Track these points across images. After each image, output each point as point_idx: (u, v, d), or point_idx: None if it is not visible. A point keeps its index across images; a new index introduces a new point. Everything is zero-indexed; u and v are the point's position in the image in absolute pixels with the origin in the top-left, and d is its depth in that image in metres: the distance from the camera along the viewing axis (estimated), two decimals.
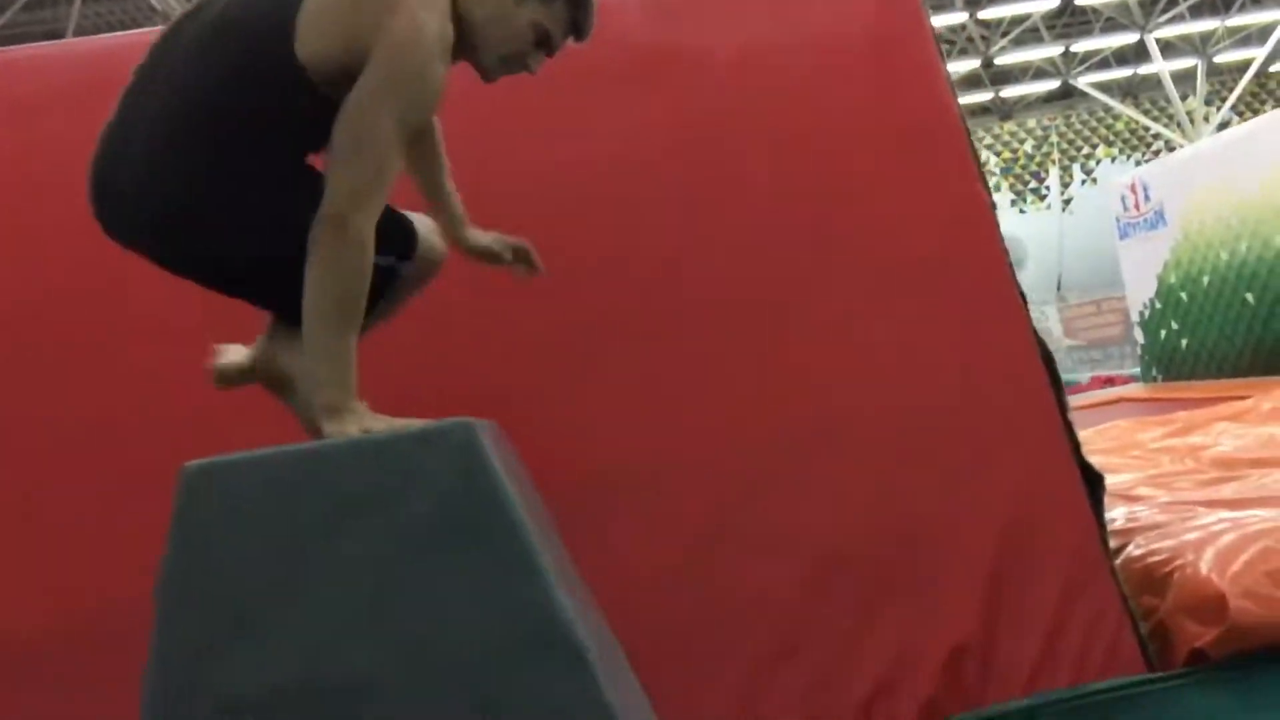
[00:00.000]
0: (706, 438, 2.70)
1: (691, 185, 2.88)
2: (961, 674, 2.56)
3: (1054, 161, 17.95)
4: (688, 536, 2.63)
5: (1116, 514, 3.33)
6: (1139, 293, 10.43)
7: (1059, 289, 17.06)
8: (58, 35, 11.89)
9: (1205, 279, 9.40)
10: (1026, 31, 15.86)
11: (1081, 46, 16.53)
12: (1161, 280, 10.01)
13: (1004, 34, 15.81)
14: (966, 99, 16.63)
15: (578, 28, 1.84)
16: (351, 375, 1.44)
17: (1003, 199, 17.31)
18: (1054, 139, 17.70)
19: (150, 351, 2.46)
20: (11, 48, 3.09)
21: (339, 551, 1.21)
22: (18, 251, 2.60)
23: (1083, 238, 16.32)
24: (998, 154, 17.88)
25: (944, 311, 2.83)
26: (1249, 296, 8.83)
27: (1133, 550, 2.96)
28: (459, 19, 1.72)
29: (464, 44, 1.75)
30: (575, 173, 2.80)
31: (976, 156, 3.03)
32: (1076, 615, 2.62)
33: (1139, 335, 10.56)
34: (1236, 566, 2.64)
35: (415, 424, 1.32)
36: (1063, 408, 2.80)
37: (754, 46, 3.00)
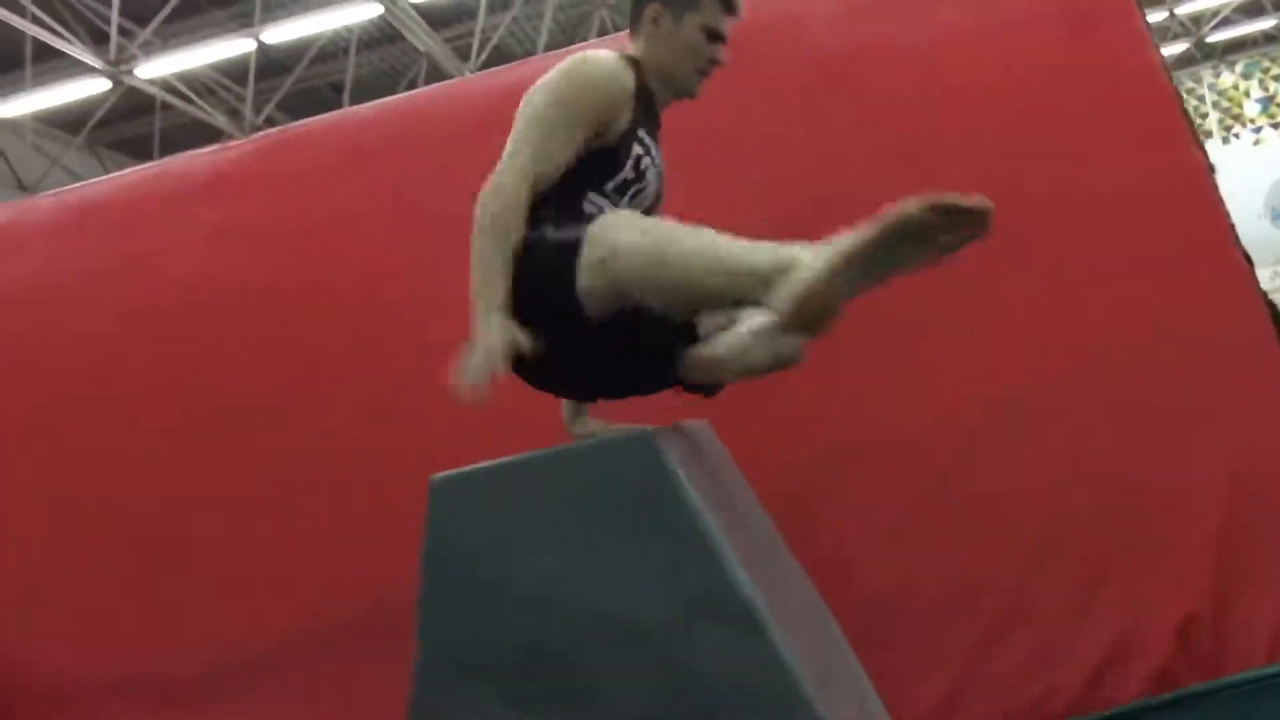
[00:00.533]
0: (922, 411, 2.79)
1: (893, 179, 2.98)
2: (1194, 642, 2.56)
3: None
4: (909, 513, 2.74)
5: None
6: None
7: None
8: (340, 87, 13.20)
9: None
10: None
11: None
12: None
13: None
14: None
15: (729, 5, 2.06)
16: (499, 291, 1.74)
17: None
18: None
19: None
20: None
21: (553, 544, 1.49)
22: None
23: None
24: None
25: (1162, 274, 2.79)
26: None
27: None
28: (654, 71, 2.05)
29: (668, 87, 2.08)
30: (776, 181, 2.97)
31: (1189, 118, 2.97)
32: None
33: None
34: None
35: (612, 429, 1.57)
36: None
37: (946, 36, 3.05)
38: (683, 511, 1.48)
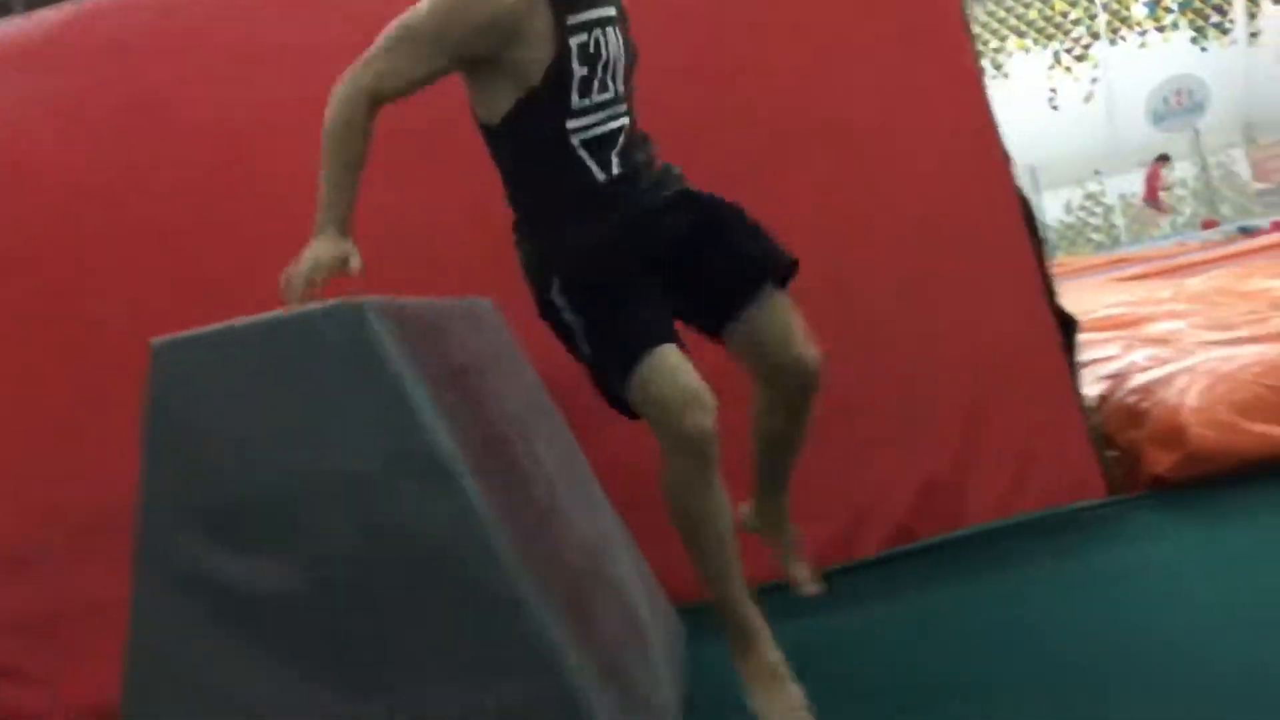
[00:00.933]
0: None
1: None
2: (935, 503, 2.84)
3: None
4: None
5: (1137, 356, 3.45)
6: None
7: (1246, 129, 15.89)
8: None
9: None
10: None
11: None
12: None
13: None
14: None
15: None
16: (337, 206, 1.78)
17: (1181, 36, 16.10)
18: None
19: None
20: None
21: (266, 404, 1.63)
22: None
23: (1274, 72, 15.05)
24: None
25: (931, 172, 2.97)
26: None
27: (1127, 387, 3.11)
28: None
29: None
30: None
31: (969, 29, 3.08)
32: (1045, 448, 2.83)
33: None
34: (1201, 398, 2.79)
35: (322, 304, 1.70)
36: (1040, 257, 2.95)
37: None
38: (385, 375, 1.63)
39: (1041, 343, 2.89)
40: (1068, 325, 2.94)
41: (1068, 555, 2.57)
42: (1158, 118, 16.20)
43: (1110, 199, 18.44)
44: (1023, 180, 3.06)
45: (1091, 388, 3.24)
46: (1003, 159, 2.97)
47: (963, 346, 2.90)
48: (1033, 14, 16.19)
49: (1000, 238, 2.93)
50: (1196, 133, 15.53)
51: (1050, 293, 2.92)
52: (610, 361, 1.89)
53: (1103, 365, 3.45)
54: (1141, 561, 2.45)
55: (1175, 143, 15.53)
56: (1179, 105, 15.76)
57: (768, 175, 2.85)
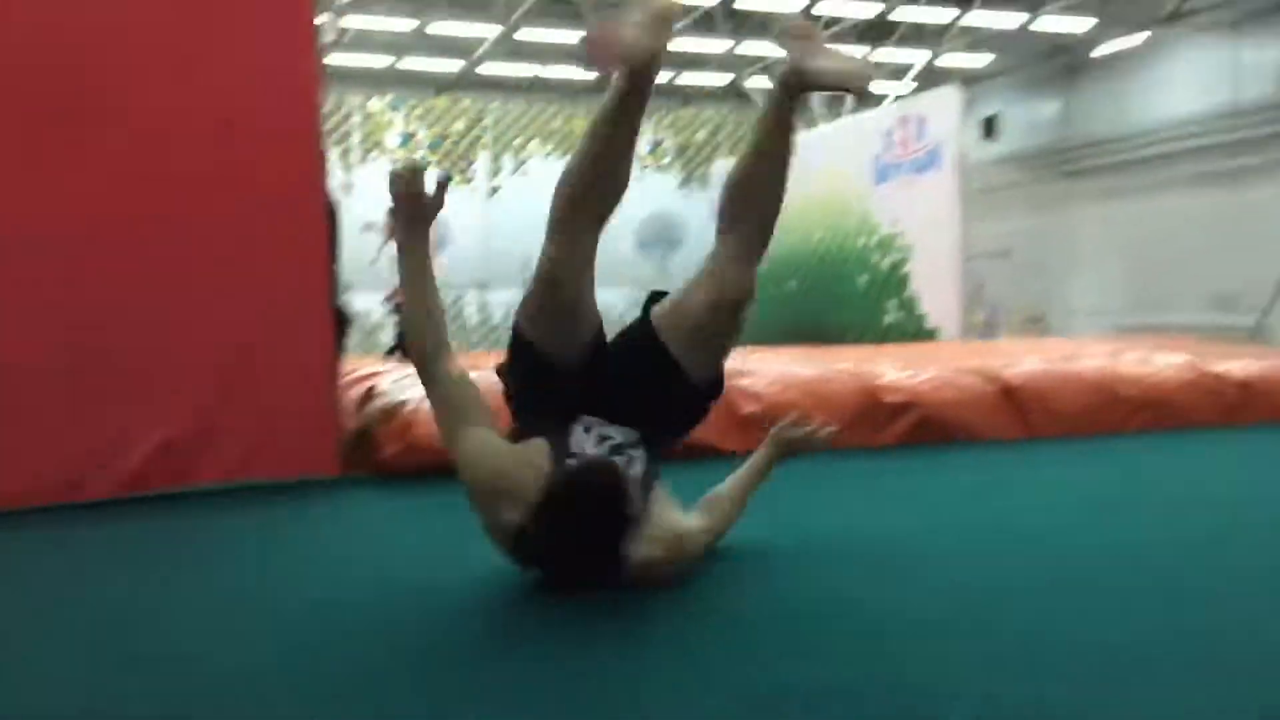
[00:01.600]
0: None
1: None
2: (172, 458, 3.00)
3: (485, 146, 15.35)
4: None
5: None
6: None
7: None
8: None
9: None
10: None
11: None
12: None
13: None
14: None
15: None
16: None
17: None
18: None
19: None
20: None
21: None
22: None
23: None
24: None
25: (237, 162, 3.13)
26: (792, 283, 10.01)
27: (393, 393, 3.50)
28: None
29: None
30: None
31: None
32: (291, 426, 3.12)
33: None
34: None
35: None
36: (333, 259, 3.30)
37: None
38: None
39: (313, 334, 3.20)
40: (343, 323, 3.28)
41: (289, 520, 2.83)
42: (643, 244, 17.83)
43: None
44: None
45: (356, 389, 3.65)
46: (319, 160, 3.28)
47: (233, 322, 3.11)
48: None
49: (298, 231, 3.21)
50: None
51: (334, 293, 3.24)
52: None
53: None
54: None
55: None
56: None
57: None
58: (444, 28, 13.36)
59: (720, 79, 17.89)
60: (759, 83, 17.95)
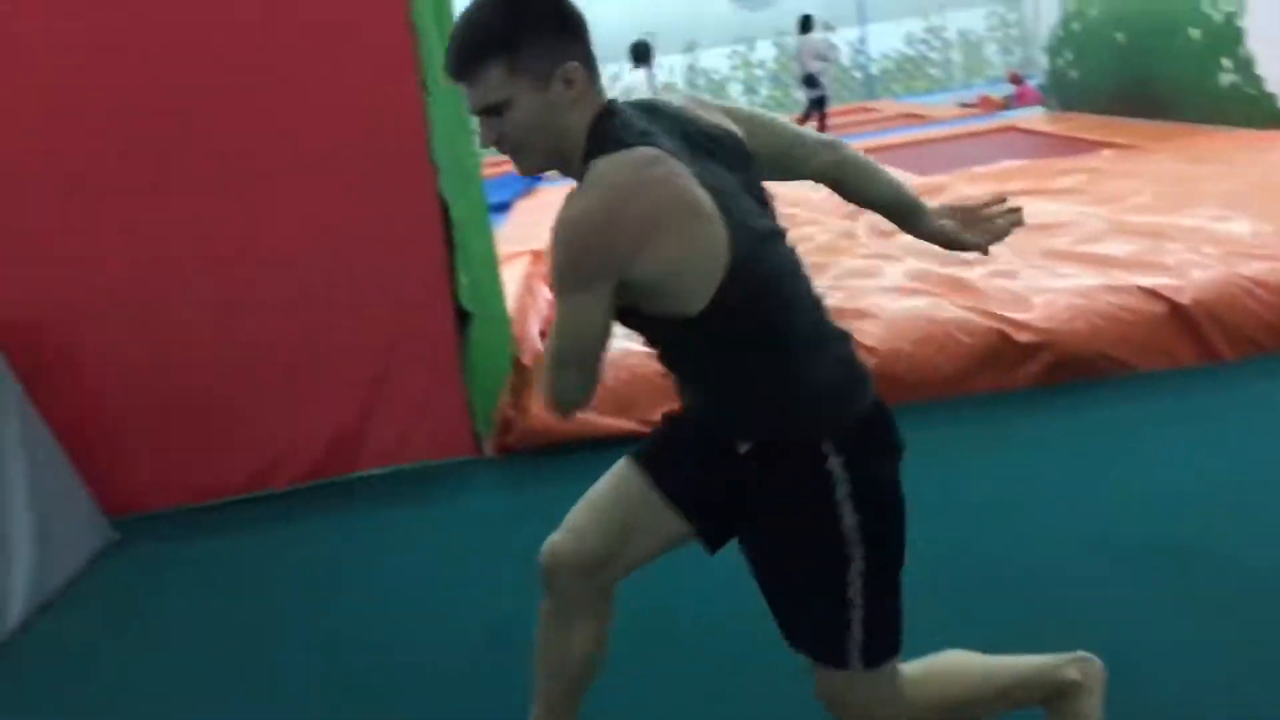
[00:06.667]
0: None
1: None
2: (340, 450, 3.61)
3: None
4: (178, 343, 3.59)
5: None
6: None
7: None
8: None
9: (1092, 11, 9.26)
10: None
11: None
12: (1064, 6, 9.82)
13: None
14: None
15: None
16: None
17: None
18: None
19: None
20: None
21: None
22: None
23: None
24: None
25: (360, 184, 3.46)
26: (1120, 35, 8.76)
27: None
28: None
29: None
30: None
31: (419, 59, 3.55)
32: (429, 415, 3.60)
33: (1043, 60, 10.49)
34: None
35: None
36: (451, 263, 3.61)
37: None
38: None
39: (439, 331, 3.60)
40: (464, 316, 3.63)
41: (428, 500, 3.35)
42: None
43: (951, 35, 18.70)
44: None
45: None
46: (430, 169, 3.55)
47: (376, 327, 3.54)
48: None
49: (419, 239, 3.56)
50: None
51: (455, 291, 3.58)
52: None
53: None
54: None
55: None
56: None
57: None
58: None
59: None
60: None
